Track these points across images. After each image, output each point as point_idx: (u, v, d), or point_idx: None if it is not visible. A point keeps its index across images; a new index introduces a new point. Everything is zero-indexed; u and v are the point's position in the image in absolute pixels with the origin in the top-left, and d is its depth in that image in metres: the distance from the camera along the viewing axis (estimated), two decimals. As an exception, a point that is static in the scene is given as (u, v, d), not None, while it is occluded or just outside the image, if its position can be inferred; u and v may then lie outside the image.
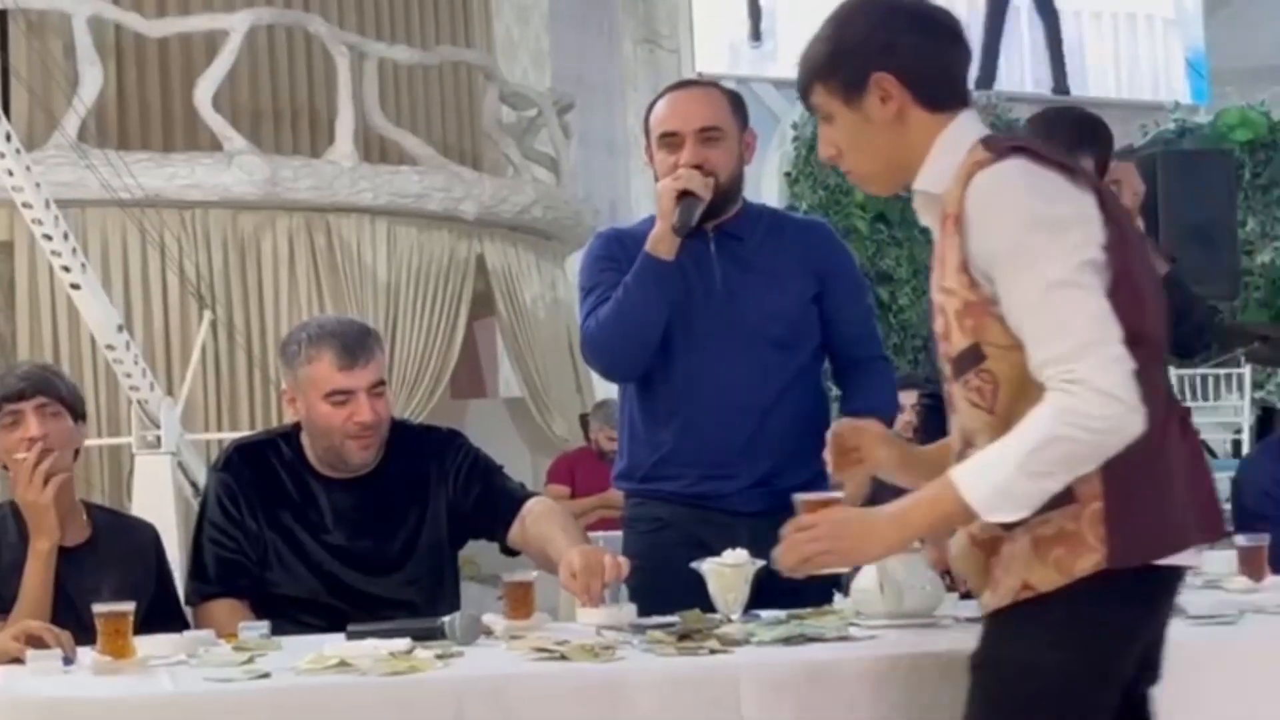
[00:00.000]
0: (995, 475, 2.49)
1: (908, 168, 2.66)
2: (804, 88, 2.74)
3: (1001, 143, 2.59)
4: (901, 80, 2.64)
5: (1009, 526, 2.55)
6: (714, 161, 3.78)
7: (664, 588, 3.51)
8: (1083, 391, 2.41)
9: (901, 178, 2.69)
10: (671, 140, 3.80)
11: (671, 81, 4.85)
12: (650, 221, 3.83)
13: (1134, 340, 2.48)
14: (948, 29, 2.70)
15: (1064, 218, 2.49)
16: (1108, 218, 2.52)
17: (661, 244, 3.73)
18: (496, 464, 3.93)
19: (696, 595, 3.31)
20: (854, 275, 4.02)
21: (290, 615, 3.64)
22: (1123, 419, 2.42)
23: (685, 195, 3.73)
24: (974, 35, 14.01)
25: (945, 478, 2.54)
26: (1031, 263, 2.47)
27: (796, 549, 2.67)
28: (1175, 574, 2.59)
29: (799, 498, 2.83)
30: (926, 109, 2.66)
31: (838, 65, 2.69)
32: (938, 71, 2.67)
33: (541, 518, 3.72)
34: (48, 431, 3.61)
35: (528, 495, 3.86)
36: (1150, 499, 2.52)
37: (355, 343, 3.73)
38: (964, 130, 2.64)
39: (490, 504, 3.82)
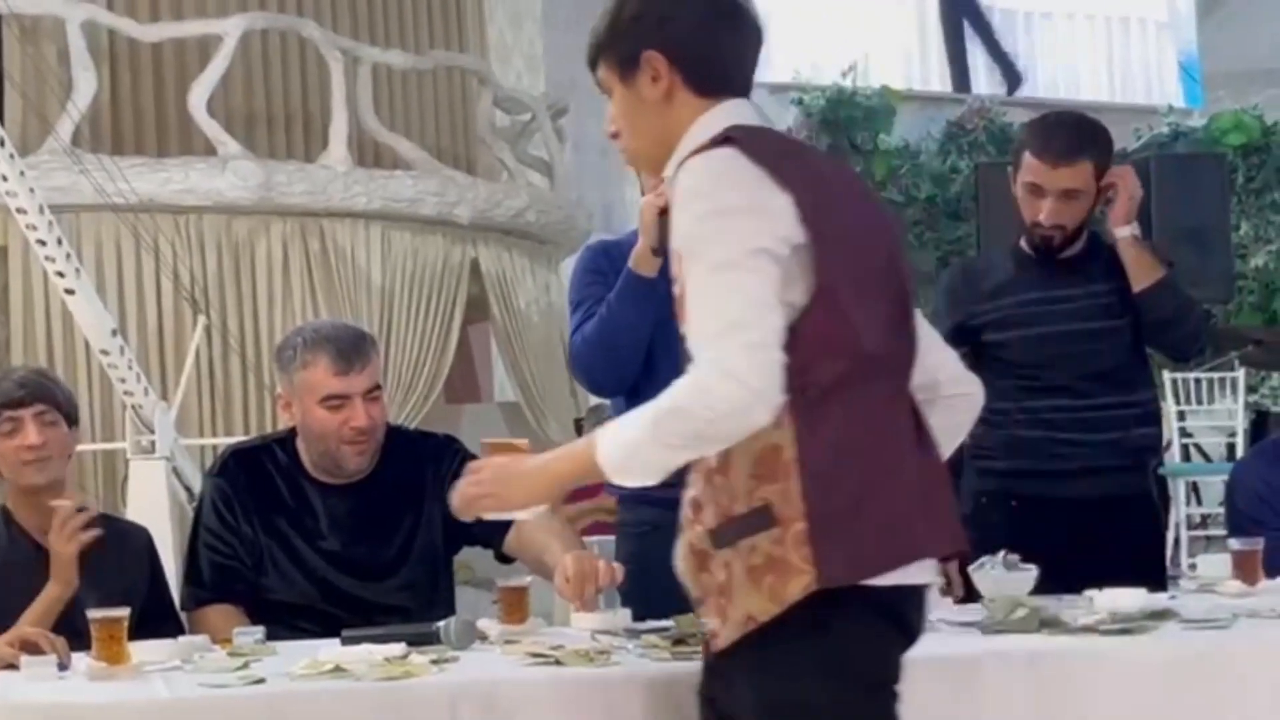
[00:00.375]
0: (626, 437, 2.44)
1: (672, 150, 2.61)
2: (590, 61, 2.72)
3: (728, 134, 2.52)
4: (671, 60, 2.59)
5: (716, 544, 2.51)
6: None
7: (657, 592, 3.51)
8: (712, 371, 2.35)
9: (667, 160, 2.63)
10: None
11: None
12: (636, 234, 3.83)
13: (836, 353, 2.43)
14: (730, 11, 2.63)
15: (740, 206, 2.43)
16: (813, 225, 2.43)
17: (643, 261, 3.73)
18: None
19: (690, 599, 3.32)
20: None
21: (285, 621, 3.64)
22: (745, 405, 2.34)
23: (666, 212, 3.71)
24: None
25: (594, 433, 2.51)
26: (704, 249, 2.42)
27: (461, 492, 2.68)
28: (901, 592, 2.49)
29: (484, 440, 2.82)
30: (694, 92, 2.60)
31: (614, 40, 2.65)
32: (710, 54, 2.61)
33: (536, 525, 3.72)
34: (46, 440, 3.63)
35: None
36: (859, 516, 2.44)
37: (350, 347, 3.73)
38: (719, 118, 2.57)
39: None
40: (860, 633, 2.46)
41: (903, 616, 2.52)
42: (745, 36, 2.66)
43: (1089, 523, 4.09)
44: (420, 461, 3.84)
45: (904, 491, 2.49)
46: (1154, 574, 4.00)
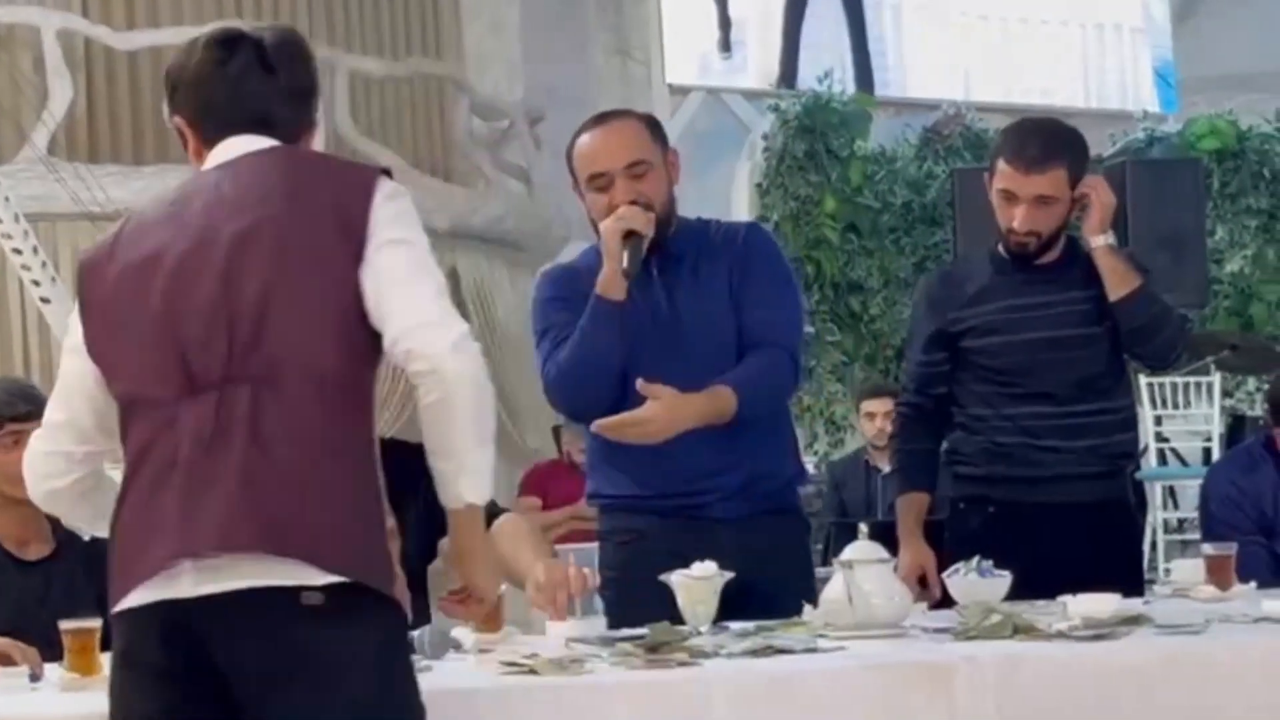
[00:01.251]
0: None
1: None
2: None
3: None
4: (187, 121, 2.74)
5: None
6: (648, 194, 3.77)
7: (642, 601, 3.51)
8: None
9: None
10: (601, 180, 3.80)
11: (641, 93, 4.86)
12: (593, 254, 3.83)
13: (118, 398, 2.62)
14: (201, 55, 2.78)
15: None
16: (91, 290, 2.65)
17: (611, 286, 3.72)
18: None
19: (675, 608, 3.33)
20: (770, 264, 3.90)
21: None
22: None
23: (630, 235, 3.73)
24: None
25: None
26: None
27: None
28: (127, 618, 2.56)
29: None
30: (207, 147, 2.72)
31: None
32: (203, 105, 2.73)
33: (510, 535, 3.72)
34: None
35: (498, 512, 3.86)
36: (112, 546, 2.60)
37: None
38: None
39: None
40: (114, 661, 2.62)
41: (130, 644, 2.58)
42: (214, 73, 2.78)
43: (1066, 529, 4.10)
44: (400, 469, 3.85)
45: (134, 522, 2.58)
46: (1131, 580, 4.01)
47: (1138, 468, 4.48)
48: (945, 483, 4.33)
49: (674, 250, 3.86)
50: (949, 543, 4.16)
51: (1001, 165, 4.13)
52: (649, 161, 3.80)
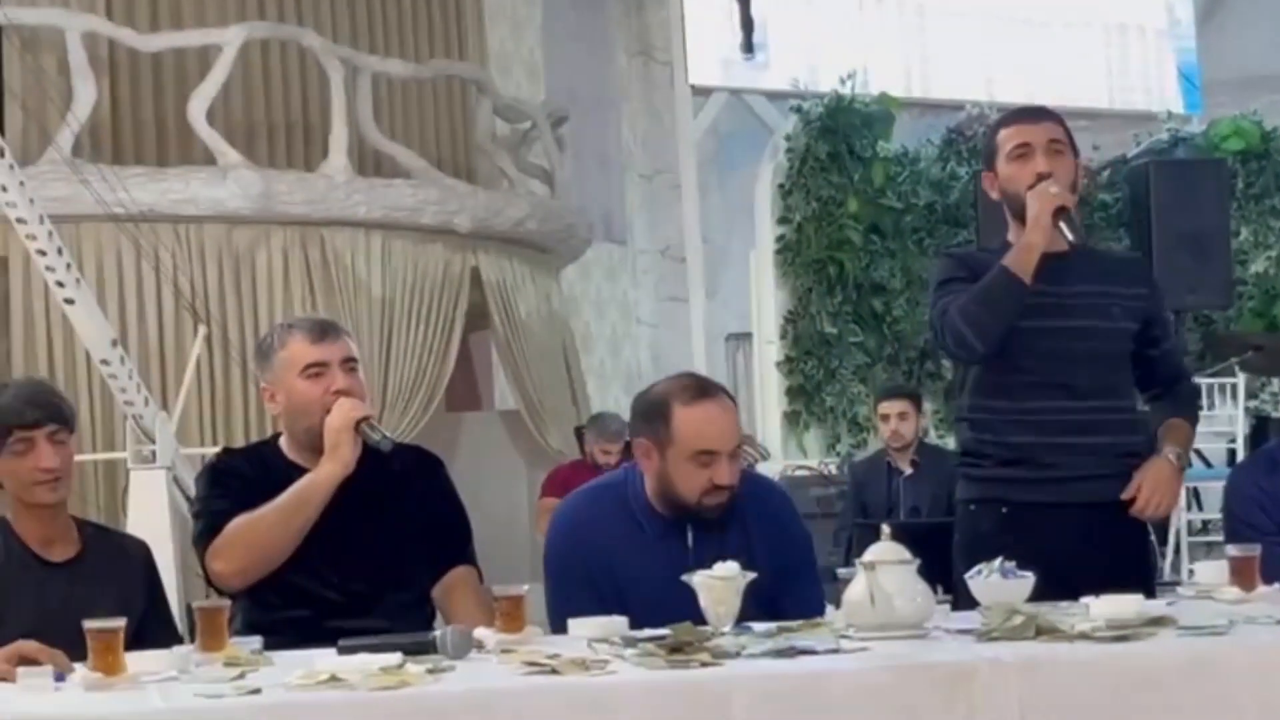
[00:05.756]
0: None
1: None
2: None
3: None
4: None
5: None
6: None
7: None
8: None
9: None
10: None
11: (663, 94, 4.90)
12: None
13: None
14: None
15: None
16: None
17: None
18: (461, 508, 4.02)
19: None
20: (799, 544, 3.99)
21: (285, 597, 3.80)
22: None
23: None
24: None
25: None
26: None
27: None
28: None
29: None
30: None
31: None
32: None
33: (457, 590, 3.90)
34: (61, 461, 3.67)
35: (463, 560, 3.97)
36: None
37: (323, 321, 3.98)
38: None
39: (431, 541, 3.94)
40: None
41: None
42: None
43: (1077, 531, 4.09)
44: (401, 468, 3.95)
45: None
46: (1141, 584, 3.98)
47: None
48: (959, 485, 4.33)
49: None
50: (959, 544, 4.16)
51: (1007, 132, 4.22)
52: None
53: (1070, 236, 4.05)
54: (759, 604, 3.45)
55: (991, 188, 4.25)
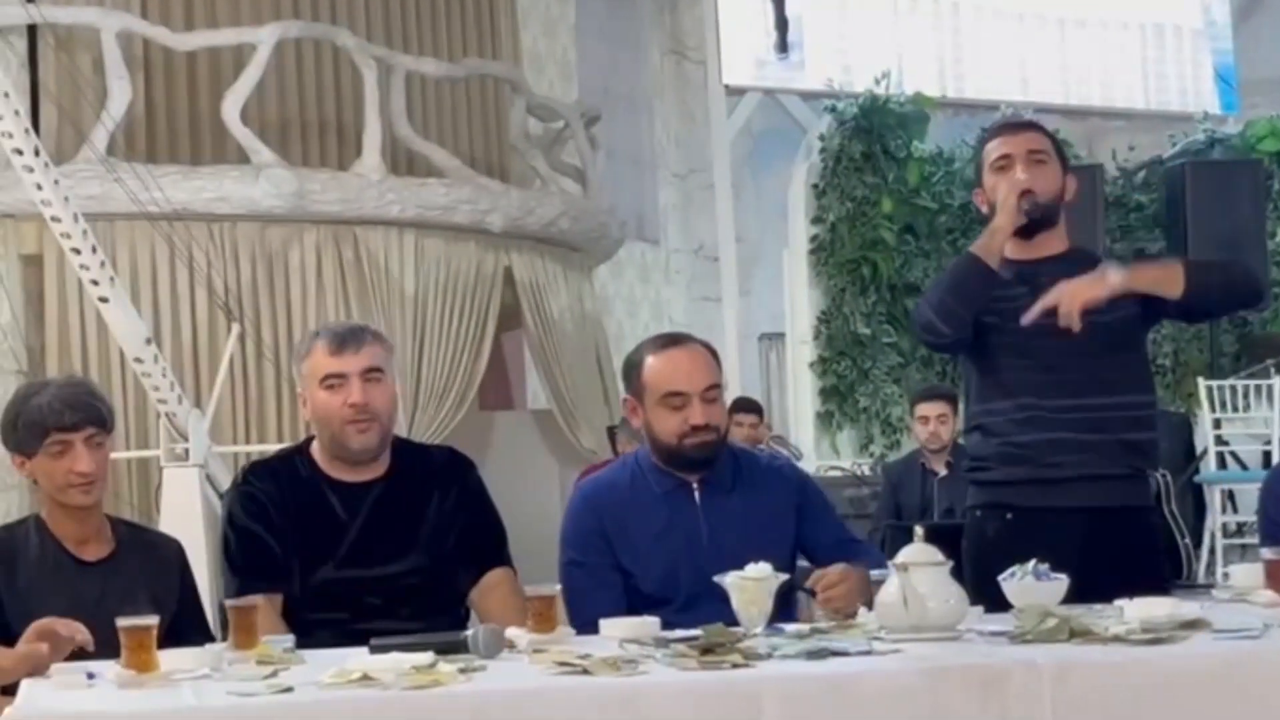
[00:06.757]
0: None
1: None
2: None
3: None
4: None
5: None
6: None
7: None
8: None
9: None
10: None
11: (696, 93, 4.94)
12: None
13: None
14: None
15: None
16: None
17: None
18: (494, 510, 4.03)
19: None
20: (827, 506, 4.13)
21: (313, 606, 3.80)
22: None
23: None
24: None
25: None
26: None
27: None
28: None
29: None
30: None
31: None
32: None
33: (496, 592, 3.91)
34: (96, 465, 3.67)
35: (500, 562, 3.97)
36: None
37: (346, 332, 3.93)
38: None
39: (468, 544, 3.95)
40: None
41: None
42: None
43: (1082, 536, 4.05)
44: (432, 470, 3.99)
45: None
46: (1149, 590, 3.94)
47: (1154, 468, 4.41)
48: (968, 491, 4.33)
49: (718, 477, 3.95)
50: (967, 551, 4.14)
51: (991, 145, 4.24)
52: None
53: (1025, 210, 4.07)
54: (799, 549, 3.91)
55: (982, 203, 4.24)
